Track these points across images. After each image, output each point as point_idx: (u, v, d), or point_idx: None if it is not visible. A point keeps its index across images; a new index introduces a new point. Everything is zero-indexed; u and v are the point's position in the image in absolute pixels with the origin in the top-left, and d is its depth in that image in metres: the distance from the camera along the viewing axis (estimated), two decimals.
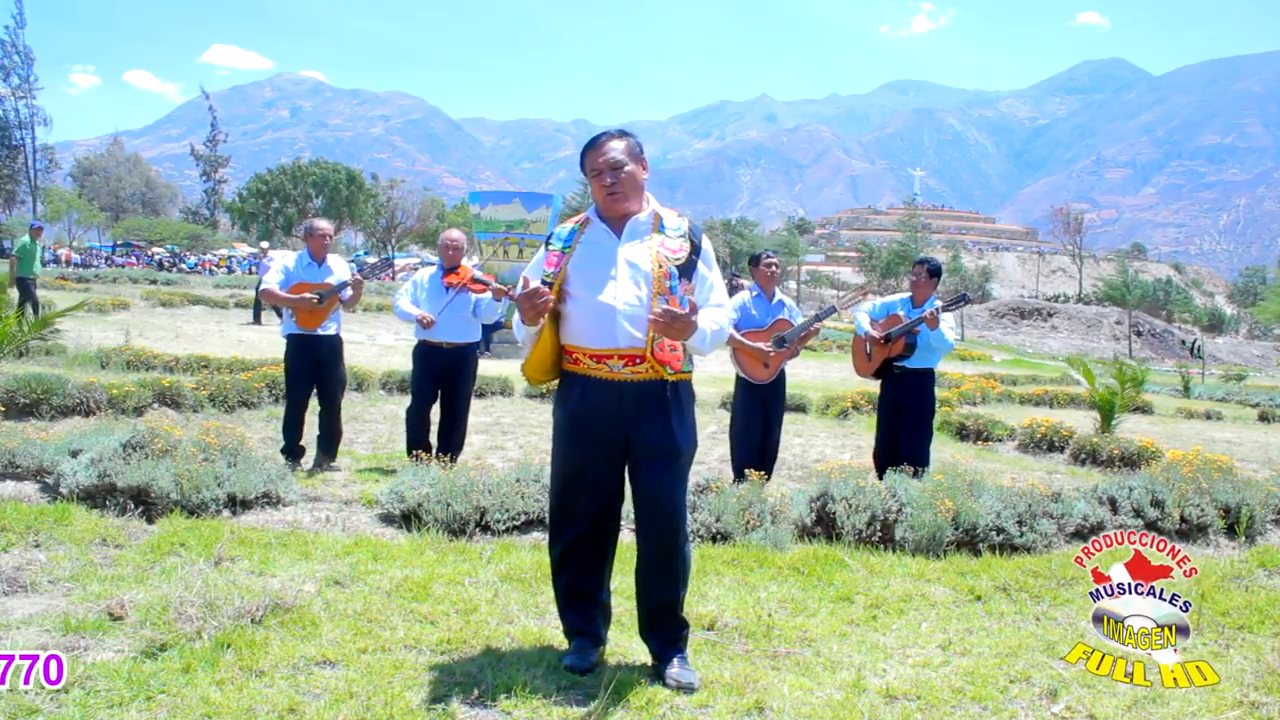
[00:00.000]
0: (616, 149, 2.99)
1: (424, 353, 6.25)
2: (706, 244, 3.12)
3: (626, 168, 2.99)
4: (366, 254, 56.84)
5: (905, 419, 6.05)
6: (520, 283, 2.94)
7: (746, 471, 5.45)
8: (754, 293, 6.02)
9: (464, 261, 6.37)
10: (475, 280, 6.17)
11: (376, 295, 23.98)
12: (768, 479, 5.56)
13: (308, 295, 6.12)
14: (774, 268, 6.01)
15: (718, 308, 3.07)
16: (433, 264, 6.63)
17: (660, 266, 2.97)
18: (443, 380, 6.24)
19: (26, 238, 15.04)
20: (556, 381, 3.14)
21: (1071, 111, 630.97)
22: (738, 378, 6.00)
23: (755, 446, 5.96)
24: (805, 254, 76.88)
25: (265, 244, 23.09)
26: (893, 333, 5.95)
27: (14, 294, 13.23)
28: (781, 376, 6.03)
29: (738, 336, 5.78)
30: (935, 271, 6.09)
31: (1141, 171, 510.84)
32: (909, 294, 6.16)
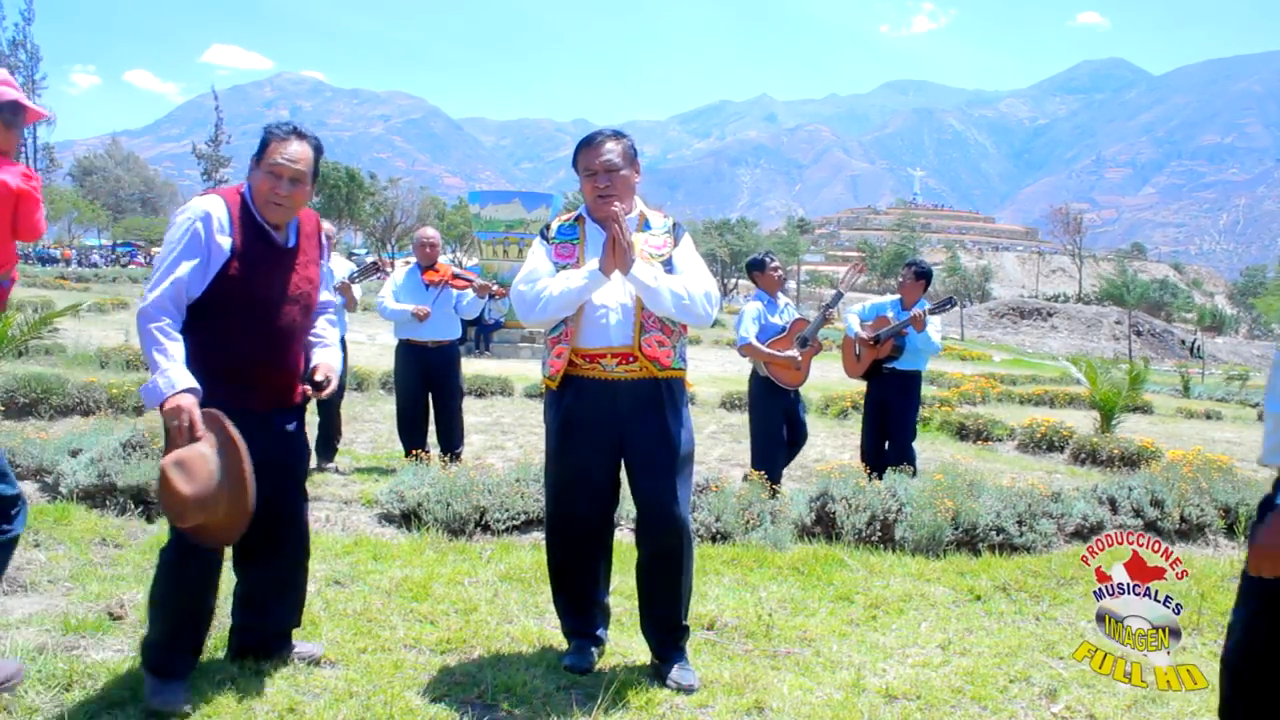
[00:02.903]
0: (613, 152, 2.98)
1: (409, 353, 6.14)
2: (686, 236, 3.14)
3: (621, 172, 2.99)
4: (367, 253, 56.86)
5: (893, 419, 6.07)
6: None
7: (746, 472, 5.42)
8: (763, 301, 5.81)
9: (441, 259, 6.34)
10: (456, 277, 6.14)
11: (373, 295, 23.94)
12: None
13: None
14: (779, 270, 5.94)
15: (682, 275, 2.98)
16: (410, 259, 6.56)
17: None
18: (431, 379, 6.14)
19: None
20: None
21: (1071, 111, 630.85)
22: (752, 388, 5.88)
23: (783, 450, 5.85)
24: (805, 254, 76.81)
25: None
26: (881, 334, 5.95)
27: None
28: None
29: (765, 350, 5.61)
30: (922, 274, 6.07)
31: (1141, 171, 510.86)
32: (899, 296, 6.17)
